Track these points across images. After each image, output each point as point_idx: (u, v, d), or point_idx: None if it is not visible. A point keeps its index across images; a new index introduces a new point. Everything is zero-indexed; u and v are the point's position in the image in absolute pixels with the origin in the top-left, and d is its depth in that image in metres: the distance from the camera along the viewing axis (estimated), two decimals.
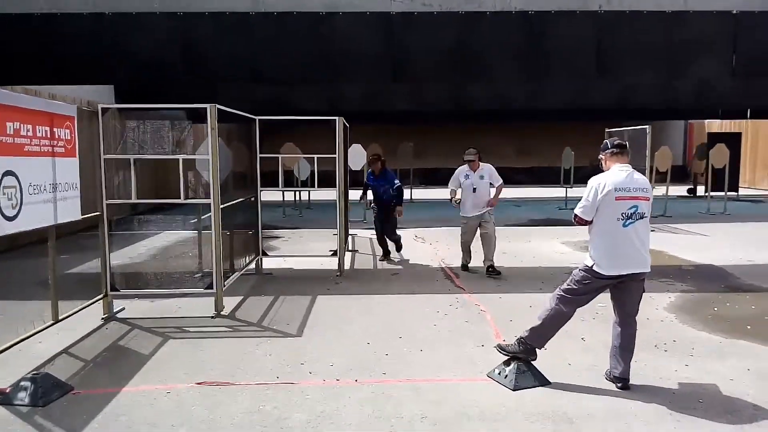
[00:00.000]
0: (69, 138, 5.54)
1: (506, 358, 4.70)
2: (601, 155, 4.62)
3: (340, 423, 3.94)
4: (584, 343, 5.48)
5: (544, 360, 4.77)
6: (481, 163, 8.33)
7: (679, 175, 22.20)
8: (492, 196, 8.31)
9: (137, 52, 9.75)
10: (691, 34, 9.66)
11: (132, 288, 6.96)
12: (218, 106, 6.30)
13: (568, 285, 4.56)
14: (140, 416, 4.03)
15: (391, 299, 7.07)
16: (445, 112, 17.23)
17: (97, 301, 6.20)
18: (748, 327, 5.92)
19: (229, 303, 6.74)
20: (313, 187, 9.24)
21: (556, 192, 21.08)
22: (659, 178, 14.59)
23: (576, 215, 4.54)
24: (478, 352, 5.26)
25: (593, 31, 9.69)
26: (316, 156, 8.71)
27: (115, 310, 6.46)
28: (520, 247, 10.87)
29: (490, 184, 8.29)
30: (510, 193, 15.70)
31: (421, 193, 21.66)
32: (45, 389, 4.27)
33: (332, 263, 8.66)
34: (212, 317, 6.33)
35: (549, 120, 22.40)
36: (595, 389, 4.43)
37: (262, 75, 10.19)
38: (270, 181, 8.67)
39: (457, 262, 9.38)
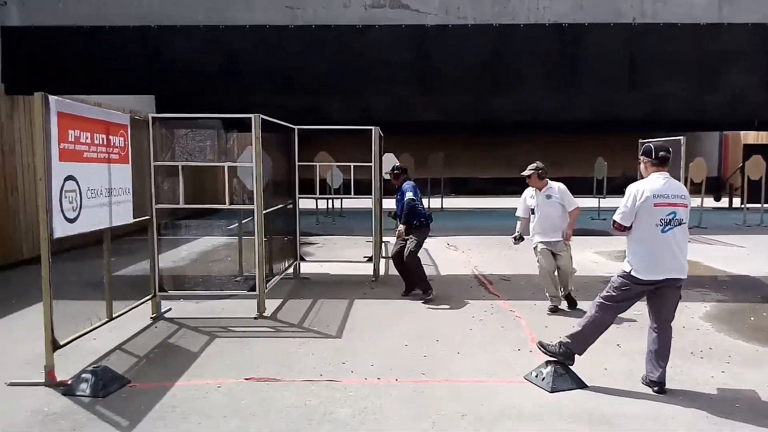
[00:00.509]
0: (123, 145, 5.84)
1: (544, 360, 4.82)
2: (642, 160, 4.64)
3: (383, 418, 4.11)
4: (620, 349, 5.56)
5: (580, 364, 4.87)
6: (550, 182, 6.92)
7: (714, 186, 21.95)
8: (566, 225, 6.84)
9: (179, 64, 10.11)
10: (725, 46, 9.66)
11: (177, 289, 7.23)
12: (262, 116, 6.54)
13: (607, 292, 4.63)
14: (194, 408, 4.25)
15: (427, 304, 7.21)
16: (475, 123, 17.39)
17: (146, 301, 6.48)
18: None
19: (271, 305, 6.96)
20: (349, 194, 9.44)
21: (588, 202, 21.02)
22: (694, 189, 14.47)
23: (615, 222, 4.59)
24: (514, 356, 5.38)
25: (626, 43, 9.75)
26: (352, 164, 8.93)
27: (162, 310, 6.74)
28: None
29: (562, 206, 6.84)
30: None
31: (450, 202, 21.79)
32: (105, 381, 4.53)
33: (367, 269, 8.84)
34: (255, 318, 6.56)
35: (580, 131, 22.36)
36: (632, 393, 4.52)
37: (295, 85, 10.47)
38: (303, 189, 8.90)
39: (490, 269, 9.52)
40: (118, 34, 9.74)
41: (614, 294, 4.58)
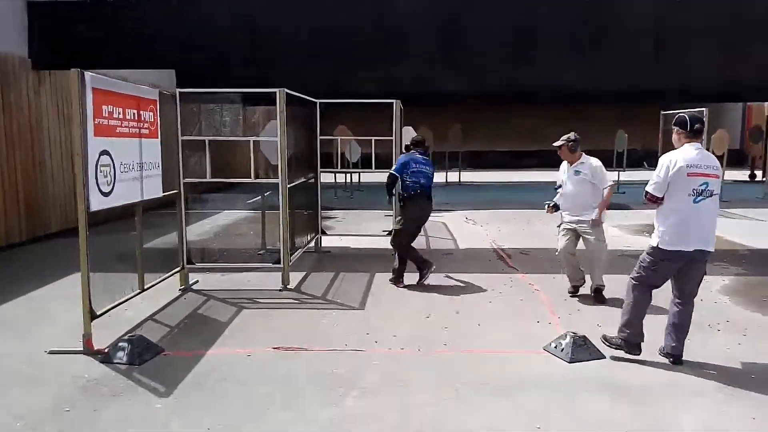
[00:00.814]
0: (152, 120, 5.98)
1: (563, 332, 4.95)
2: (675, 131, 4.59)
3: (409, 385, 4.27)
4: None
5: (598, 336, 4.99)
6: (585, 156, 6.36)
7: (736, 158, 21.68)
8: (598, 202, 6.22)
9: (201, 36, 10.16)
10: (753, 15, 9.49)
11: (203, 262, 7.42)
12: (286, 90, 6.62)
13: (637, 272, 4.66)
14: (227, 374, 4.45)
15: (447, 278, 7.32)
16: (498, 94, 17.25)
17: (175, 273, 6.68)
18: None
19: (294, 278, 7.13)
20: (370, 168, 9.53)
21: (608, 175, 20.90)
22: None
23: (647, 192, 4.56)
24: (533, 328, 5.50)
25: (653, 12, 9.62)
26: (373, 138, 9.00)
27: (190, 282, 6.94)
28: None
29: (593, 185, 6.27)
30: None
31: (468, 176, 21.81)
32: (140, 350, 4.73)
33: (387, 243, 8.95)
34: (280, 290, 6.74)
35: (604, 102, 22.10)
36: (649, 363, 4.62)
37: (318, 58, 10.48)
38: (322, 163, 8.96)
39: (509, 243, 9.60)
40: (141, 8, 9.81)
41: (643, 273, 4.61)
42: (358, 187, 18.33)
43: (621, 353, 4.67)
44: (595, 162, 6.32)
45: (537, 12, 9.67)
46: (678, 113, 14.56)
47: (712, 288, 6.76)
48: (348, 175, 18.31)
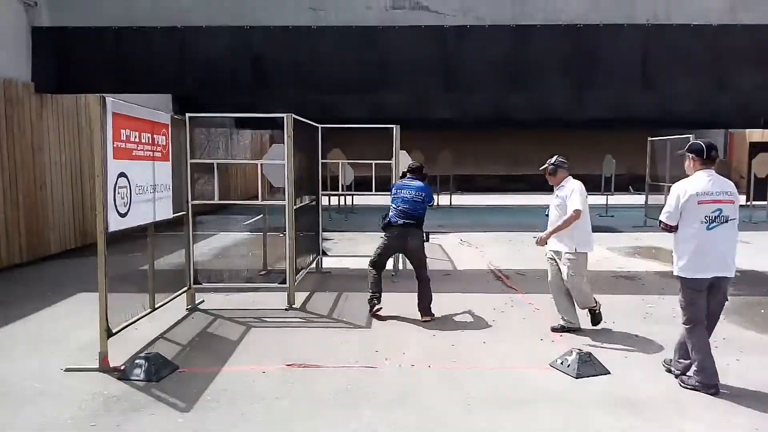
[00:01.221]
0: (164, 144, 6.14)
1: (568, 348, 5.12)
2: (690, 157, 4.61)
3: (422, 399, 4.40)
4: (637, 339, 5.84)
5: (602, 353, 5.17)
6: (569, 179, 6.04)
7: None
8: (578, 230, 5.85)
9: (202, 63, 10.36)
10: (736, 47, 9.86)
11: (207, 282, 7.51)
12: (293, 115, 6.82)
13: (683, 314, 4.63)
14: (244, 391, 4.55)
15: (448, 297, 7.44)
16: (489, 122, 17.68)
17: (182, 293, 6.77)
18: None
19: (299, 298, 7.24)
20: (367, 191, 9.73)
21: (596, 199, 21.29)
22: None
23: (661, 222, 4.63)
24: (537, 345, 5.67)
25: (640, 43, 9.96)
26: (374, 162, 9.21)
27: (196, 302, 7.03)
28: None
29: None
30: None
31: (459, 200, 22.07)
32: (157, 367, 4.83)
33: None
34: (286, 309, 6.86)
35: (591, 129, 22.61)
36: (653, 379, 4.80)
37: (314, 85, 10.71)
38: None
39: (505, 265, 9.79)
40: (144, 35, 9.98)
41: (689, 315, 4.57)
42: (352, 210, 18.50)
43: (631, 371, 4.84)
44: (574, 184, 5.94)
45: (528, 42, 9.97)
46: (665, 139, 14.99)
47: None
48: (342, 198, 18.50)
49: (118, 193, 5.09)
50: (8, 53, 9.66)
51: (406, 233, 6.59)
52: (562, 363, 5.00)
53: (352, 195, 17.76)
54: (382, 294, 6.71)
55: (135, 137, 5.42)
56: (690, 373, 4.60)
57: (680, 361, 4.72)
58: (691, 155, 4.61)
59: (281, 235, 11.33)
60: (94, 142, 4.80)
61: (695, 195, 4.43)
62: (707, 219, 4.43)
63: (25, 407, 4.26)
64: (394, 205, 6.70)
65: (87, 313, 6.64)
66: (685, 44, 9.92)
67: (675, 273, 4.59)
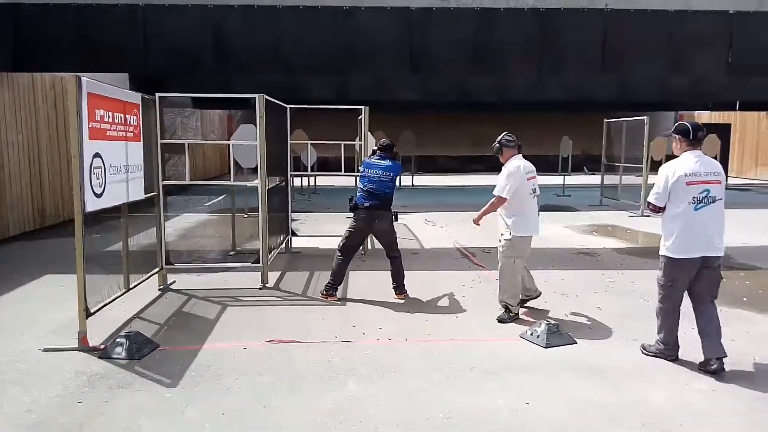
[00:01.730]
0: (136, 124, 6.09)
1: (537, 321, 5.37)
2: (676, 139, 4.63)
3: (401, 372, 4.58)
4: (600, 311, 6.15)
5: (567, 325, 5.44)
6: (513, 158, 5.82)
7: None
8: (510, 212, 5.74)
9: (165, 42, 10.18)
10: (691, 32, 10.26)
11: (178, 263, 7.51)
12: (265, 96, 6.83)
13: (659, 292, 4.72)
14: (227, 366, 4.64)
15: (417, 275, 7.58)
16: (453, 103, 17.88)
17: (154, 273, 6.77)
18: (744, 299, 6.62)
19: (271, 277, 7.30)
20: (340, 171, 9.81)
21: (551, 180, 21.85)
22: (654, 166, 15.31)
23: (650, 203, 4.67)
24: None
25: (600, 27, 10.25)
26: (342, 143, 9.30)
27: (168, 283, 7.04)
28: None
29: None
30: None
31: (421, 180, 22.31)
32: (138, 345, 4.87)
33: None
34: (260, 288, 6.93)
35: (552, 110, 23.08)
36: (617, 347, 5.10)
37: (280, 64, 10.65)
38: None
39: (470, 243, 10.04)
40: (105, 12, 9.74)
41: (665, 293, 4.67)
42: (315, 191, 18.52)
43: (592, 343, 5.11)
44: (507, 166, 5.76)
45: (492, 25, 10.15)
46: (620, 121, 15.52)
47: None
48: (306, 179, 18.49)
49: (94, 174, 5.07)
50: None
51: (373, 215, 6.52)
52: (531, 334, 5.25)
53: (315, 176, 17.75)
54: (350, 274, 6.73)
55: (109, 117, 5.38)
56: (652, 342, 4.87)
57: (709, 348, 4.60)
58: (677, 136, 4.62)
59: (246, 216, 11.40)
60: (70, 123, 4.75)
61: (684, 176, 4.46)
62: (695, 200, 4.45)
63: (11, 388, 4.25)
64: (361, 185, 6.63)
65: (56, 295, 6.63)
66: (643, 28, 10.26)
67: (661, 252, 4.64)
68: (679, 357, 4.78)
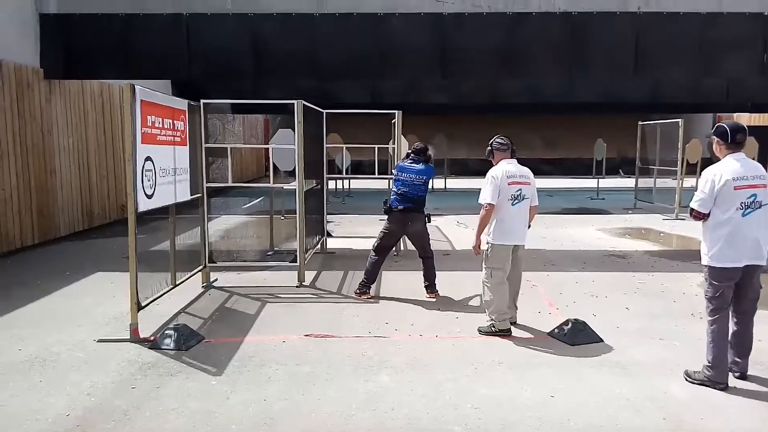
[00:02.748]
0: (183, 129, 6.45)
1: (564, 319, 5.54)
2: (716, 142, 4.40)
3: (432, 364, 4.81)
4: (628, 312, 6.27)
5: (595, 324, 5.59)
6: (502, 162, 5.63)
7: (706, 166, 22.74)
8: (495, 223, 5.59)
9: (206, 49, 10.59)
10: (724, 34, 10.24)
11: (221, 262, 7.87)
12: (303, 102, 7.14)
13: (708, 305, 4.43)
14: (268, 357, 4.94)
15: (448, 275, 7.76)
16: (484, 106, 18.00)
17: (199, 271, 7.13)
18: None
19: (307, 276, 7.60)
20: (373, 174, 10.08)
21: (585, 183, 21.76)
22: (689, 169, 15.21)
23: (693, 209, 4.37)
24: (535, 317, 6.08)
25: (631, 30, 10.32)
26: (376, 146, 9.57)
27: (211, 280, 7.40)
28: (558, 232, 11.63)
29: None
30: (542, 183, 16.33)
31: (453, 183, 22.46)
32: (185, 337, 5.20)
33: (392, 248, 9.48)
34: (297, 287, 7.23)
35: (583, 113, 23.00)
36: (643, 346, 5.23)
37: (314, 70, 10.98)
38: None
39: None
40: (151, 21, 10.21)
41: (714, 305, 4.37)
42: (349, 194, 18.85)
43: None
44: (490, 171, 5.58)
45: (524, 29, 10.30)
46: (654, 123, 15.44)
47: (692, 283, 7.42)
48: (340, 182, 18.84)
49: (145, 176, 5.42)
50: (18, 40, 9.89)
51: (407, 218, 6.73)
52: (558, 332, 5.42)
53: (349, 179, 18.06)
54: (383, 274, 6.98)
55: (159, 123, 5.74)
56: (699, 368, 4.47)
57: (735, 361, 4.47)
58: (716, 139, 4.39)
59: (283, 218, 11.76)
60: (125, 129, 5.11)
61: (732, 180, 4.21)
62: (743, 205, 4.20)
63: (72, 374, 4.62)
64: (395, 188, 6.79)
65: (107, 291, 7.05)
66: (675, 31, 10.29)
67: (704, 262, 4.37)
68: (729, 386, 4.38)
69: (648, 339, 5.39)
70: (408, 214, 6.75)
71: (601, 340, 5.32)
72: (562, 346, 5.23)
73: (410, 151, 7.12)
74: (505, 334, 5.49)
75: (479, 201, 5.54)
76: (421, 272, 6.97)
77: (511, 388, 4.38)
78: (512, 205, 5.48)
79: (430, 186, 7.13)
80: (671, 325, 5.78)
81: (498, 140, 5.72)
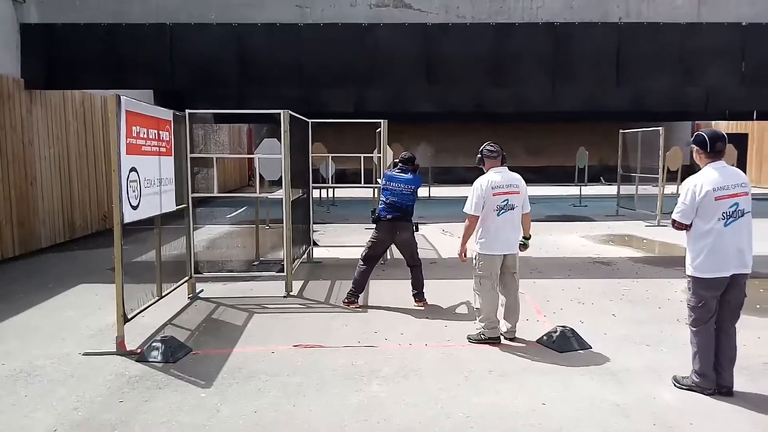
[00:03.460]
0: (168, 139, 6.41)
1: (552, 326, 5.57)
2: (695, 150, 4.32)
3: (423, 374, 4.80)
4: (615, 318, 6.32)
5: (583, 331, 5.62)
6: (489, 171, 5.57)
7: (687, 174, 23.11)
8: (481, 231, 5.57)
9: (190, 59, 10.53)
10: (703, 44, 10.41)
11: (206, 272, 7.80)
12: (290, 112, 7.13)
13: (690, 315, 4.40)
14: (257, 369, 4.90)
15: (436, 283, 7.76)
16: (469, 114, 18.14)
17: (185, 282, 7.07)
18: (758, 306, 6.73)
19: (294, 286, 7.56)
20: (358, 183, 10.09)
21: (567, 190, 21.95)
22: (670, 177, 15.42)
23: (674, 221, 4.33)
24: (523, 325, 6.04)
25: (613, 40, 10.46)
26: (362, 155, 9.58)
27: (196, 291, 7.33)
28: (543, 239, 11.67)
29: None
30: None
31: (437, 191, 22.53)
32: (173, 349, 5.14)
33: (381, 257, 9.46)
34: (284, 297, 7.20)
35: (566, 121, 23.29)
36: (630, 352, 5.27)
37: (299, 79, 10.98)
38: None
39: None
40: (134, 31, 10.13)
41: (696, 316, 4.34)
42: (333, 202, 18.82)
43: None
44: (477, 180, 5.52)
45: (508, 39, 10.39)
46: (636, 131, 15.61)
47: (677, 289, 7.48)
48: (324, 191, 18.80)
49: (130, 187, 5.37)
50: None
51: (395, 227, 6.78)
52: (547, 339, 5.45)
53: (334, 188, 18.04)
54: (370, 283, 6.99)
55: (144, 134, 5.70)
56: (687, 374, 4.48)
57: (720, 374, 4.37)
58: (696, 147, 4.32)
59: (268, 227, 11.71)
60: (111, 139, 5.06)
61: (712, 191, 4.14)
62: (725, 215, 4.16)
63: (58, 388, 4.54)
64: (383, 198, 6.83)
65: (91, 303, 6.96)
66: (655, 41, 10.45)
67: (688, 273, 4.33)
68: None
69: (636, 345, 5.44)
70: (396, 223, 6.78)
71: (590, 347, 5.36)
72: (552, 353, 5.25)
73: (398, 160, 7.15)
74: (494, 342, 5.48)
75: (464, 210, 5.51)
76: (409, 281, 6.97)
77: (502, 396, 4.39)
78: (498, 215, 5.40)
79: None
80: (657, 330, 5.84)
81: (488, 147, 5.62)
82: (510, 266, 5.61)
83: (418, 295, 6.88)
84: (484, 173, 5.58)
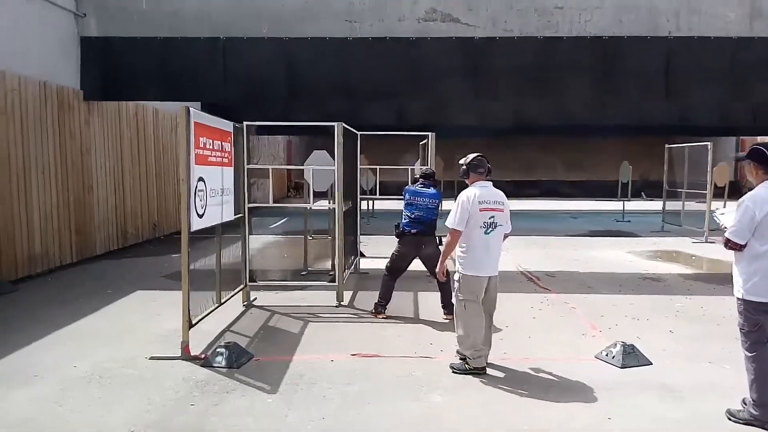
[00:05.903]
0: (229, 150, 6.59)
1: (612, 342, 5.54)
2: (752, 165, 4.08)
3: (482, 386, 4.83)
4: (673, 334, 6.25)
5: (643, 346, 5.57)
6: (475, 183, 5.22)
7: (732, 189, 22.61)
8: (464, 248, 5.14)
9: (241, 72, 10.78)
10: (753, 58, 10.28)
11: (260, 281, 7.94)
12: (343, 124, 7.26)
13: (742, 338, 4.23)
14: (318, 376, 4.98)
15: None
16: (511, 128, 18.10)
17: (240, 290, 7.22)
18: None
19: (345, 296, 7.66)
20: (399, 195, 10.13)
21: (607, 205, 21.69)
22: (717, 192, 15.14)
23: (729, 240, 4.08)
24: (579, 340, 6.09)
25: (662, 54, 10.38)
26: (409, 167, 9.66)
27: (251, 299, 7.48)
28: (586, 254, 11.61)
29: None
30: (565, 205, 16.30)
31: None
32: (237, 355, 5.27)
33: (417, 265, 9.51)
34: (336, 306, 7.29)
35: (610, 136, 23.08)
36: (690, 368, 5.21)
37: (345, 92, 11.17)
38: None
39: (533, 267, 10.20)
40: (188, 44, 10.44)
41: (750, 340, 4.15)
42: (372, 214, 18.94)
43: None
44: (461, 193, 5.18)
45: (552, 50, 10.40)
46: (683, 146, 15.37)
47: (732, 306, 7.30)
48: (364, 202, 18.94)
49: (198, 196, 5.54)
50: (60, 62, 10.16)
51: (420, 241, 6.84)
52: (607, 354, 5.42)
53: (375, 199, 18.17)
54: (419, 295, 7.06)
55: (210, 144, 5.88)
56: (744, 405, 4.22)
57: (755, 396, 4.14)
58: (752, 163, 4.07)
59: (311, 238, 11.84)
60: (180, 150, 5.24)
61: None
62: None
63: (128, 391, 4.69)
64: (407, 212, 6.87)
65: (149, 309, 7.17)
66: (704, 55, 10.33)
67: (739, 296, 4.12)
68: None
69: (697, 362, 5.38)
70: (421, 237, 6.87)
71: (651, 363, 5.31)
72: (611, 369, 5.22)
73: (420, 176, 7.29)
74: (479, 372, 5.04)
75: (445, 224, 5.15)
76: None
77: (563, 410, 4.38)
78: (485, 233, 5.03)
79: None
80: (718, 348, 5.76)
81: (473, 162, 5.25)
82: (491, 289, 5.19)
83: (446, 306, 6.86)
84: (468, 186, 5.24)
